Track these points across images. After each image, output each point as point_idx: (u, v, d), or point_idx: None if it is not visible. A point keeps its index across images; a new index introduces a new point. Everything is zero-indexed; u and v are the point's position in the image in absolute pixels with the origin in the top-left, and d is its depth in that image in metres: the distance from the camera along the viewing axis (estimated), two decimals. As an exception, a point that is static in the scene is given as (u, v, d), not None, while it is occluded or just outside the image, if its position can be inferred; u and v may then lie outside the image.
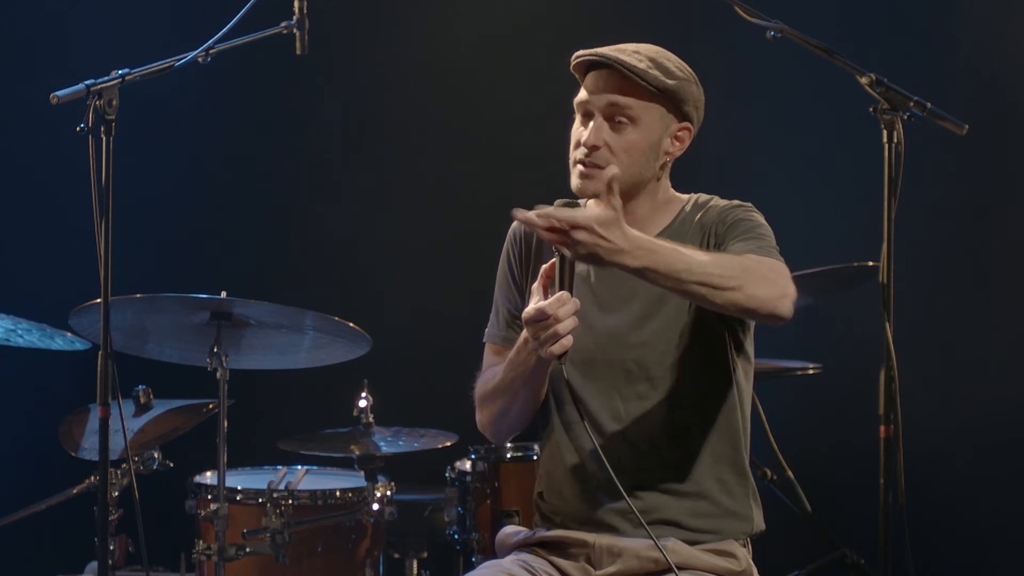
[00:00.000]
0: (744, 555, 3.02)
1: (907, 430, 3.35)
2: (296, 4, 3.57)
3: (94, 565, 4.80)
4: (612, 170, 2.73)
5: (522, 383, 2.96)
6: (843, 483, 5.43)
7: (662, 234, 2.96)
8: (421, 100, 5.92)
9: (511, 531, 3.17)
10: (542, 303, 2.76)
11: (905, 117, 3.33)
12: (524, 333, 2.85)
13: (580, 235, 2.62)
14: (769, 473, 4.81)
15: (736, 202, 3.03)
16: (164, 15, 5.63)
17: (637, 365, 2.98)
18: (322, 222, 5.93)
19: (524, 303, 2.96)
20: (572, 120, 3.01)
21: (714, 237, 2.97)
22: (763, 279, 2.78)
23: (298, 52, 3.57)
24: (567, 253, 2.69)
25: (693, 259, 2.72)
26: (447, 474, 4.78)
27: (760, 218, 2.98)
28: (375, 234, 5.92)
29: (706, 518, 2.99)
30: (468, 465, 4.71)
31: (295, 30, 3.56)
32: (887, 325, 3.30)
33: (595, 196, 2.93)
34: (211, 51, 3.47)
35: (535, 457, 4.58)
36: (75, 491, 4.55)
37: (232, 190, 5.88)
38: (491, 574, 2.98)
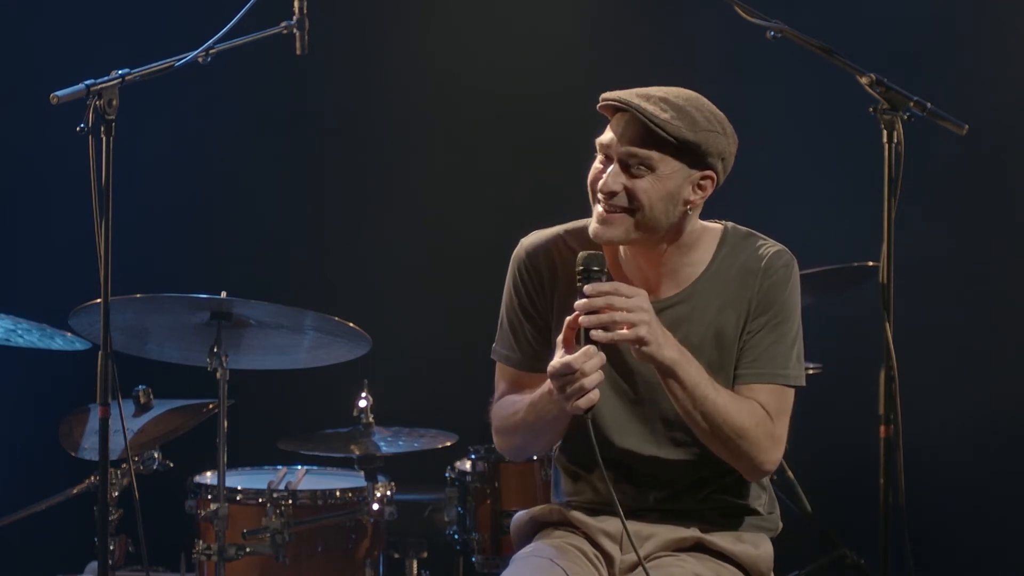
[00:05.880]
0: (766, 546, 3.06)
1: (907, 430, 3.35)
2: (296, 4, 3.57)
3: (94, 565, 4.80)
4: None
5: (543, 427, 2.97)
6: (843, 483, 5.42)
7: (700, 279, 2.98)
8: (421, 100, 5.91)
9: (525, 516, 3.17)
10: (568, 357, 2.76)
11: (905, 117, 3.33)
12: (548, 384, 2.83)
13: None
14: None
15: (784, 254, 3.00)
16: (164, 15, 5.63)
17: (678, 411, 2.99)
18: (322, 222, 5.93)
19: (543, 331, 3.01)
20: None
21: (756, 297, 2.96)
22: (755, 445, 2.90)
23: (298, 52, 3.57)
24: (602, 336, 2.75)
25: (718, 398, 2.84)
26: (447, 474, 4.79)
27: (796, 296, 2.99)
28: (375, 234, 5.92)
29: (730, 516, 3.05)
30: (468, 465, 4.72)
31: (295, 30, 3.56)
32: (887, 325, 3.30)
33: (609, 243, 2.93)
34: (211, 51, 3.47)
35: (535, 457, 4.59)
36: (75, 491, 4.54)
37: (232, 190, 5.88)
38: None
